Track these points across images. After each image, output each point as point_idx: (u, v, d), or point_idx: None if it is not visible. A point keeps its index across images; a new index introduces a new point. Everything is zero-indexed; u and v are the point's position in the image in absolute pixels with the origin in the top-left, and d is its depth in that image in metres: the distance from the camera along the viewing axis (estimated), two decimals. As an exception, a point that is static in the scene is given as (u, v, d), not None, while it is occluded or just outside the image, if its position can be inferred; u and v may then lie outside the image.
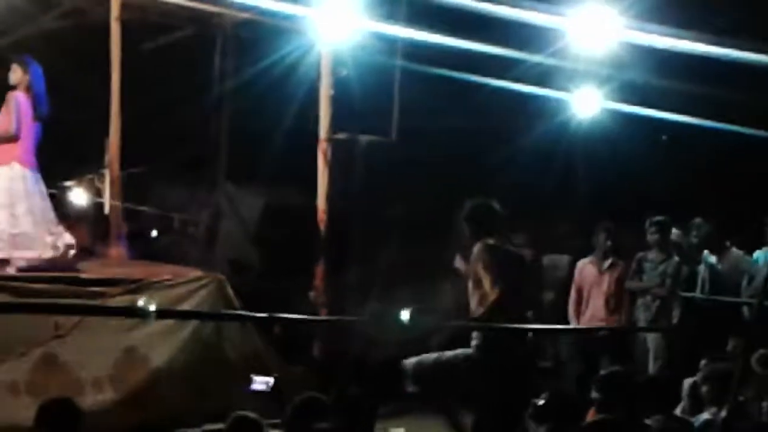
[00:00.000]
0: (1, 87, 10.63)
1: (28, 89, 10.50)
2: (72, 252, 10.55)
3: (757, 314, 11.18)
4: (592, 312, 11.33)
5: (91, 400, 9.46)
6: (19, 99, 10.43)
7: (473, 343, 8.56)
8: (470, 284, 8.61)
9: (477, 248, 8.60)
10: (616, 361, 9.91)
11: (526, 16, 8.73)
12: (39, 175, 10.55)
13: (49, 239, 10.41)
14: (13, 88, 10.50)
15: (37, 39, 11.98)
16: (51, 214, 10.60)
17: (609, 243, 11.38)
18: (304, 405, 7.15)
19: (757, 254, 11.83)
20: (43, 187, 10.59)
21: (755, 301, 11.28)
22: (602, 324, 11.21)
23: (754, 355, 9.12)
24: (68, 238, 10.54)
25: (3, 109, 10.48)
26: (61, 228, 10.59)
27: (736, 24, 10.84)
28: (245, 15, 12.49)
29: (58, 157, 11.68)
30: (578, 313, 11.43)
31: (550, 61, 11.25)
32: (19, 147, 10.42)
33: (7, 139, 10.36)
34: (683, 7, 11.79)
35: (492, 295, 8.39)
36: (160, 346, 10.02)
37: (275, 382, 9.20)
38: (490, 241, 8.62)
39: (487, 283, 8.44)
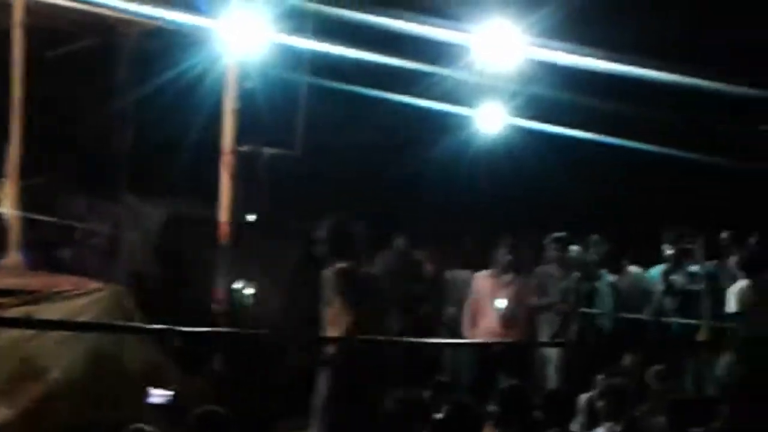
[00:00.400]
0: None
1: None
2: None
3: (653, 331, 11.49)
4: (486, 325, 11.21)
5: (-14, 414, 9.31)
6: None
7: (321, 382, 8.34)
8: (324, 306, 8.33)
9: (329, 272, 8.30)
10: (513, 376, 9.92)
11: (432, 32, 8.81)
12: None
13: None
14: None
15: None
16: None
17: (509, 257, 11.35)
18: (203, 418, 7.12)
19: (653, 271, 12.00)
20: None
21: (651, 318, 11.56)
22: (497, 338, 11.16)
23: (650, 370, 9.30)
24: None
25: None
26: None
27: (637, 42, 11.01)
28: (151, 25, 12.39)
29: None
30: (472, 326, 11.38)
31: (456, 76, 11.35)
32: None
33: None
34: (586, 24, 11.98)
35: (345, 320, 8.14)
36: (58, 357, 9.85)
37: (174, 395, 9.13)
38: (343, 265, 8.34)
39: (338, 307, 8.16)
